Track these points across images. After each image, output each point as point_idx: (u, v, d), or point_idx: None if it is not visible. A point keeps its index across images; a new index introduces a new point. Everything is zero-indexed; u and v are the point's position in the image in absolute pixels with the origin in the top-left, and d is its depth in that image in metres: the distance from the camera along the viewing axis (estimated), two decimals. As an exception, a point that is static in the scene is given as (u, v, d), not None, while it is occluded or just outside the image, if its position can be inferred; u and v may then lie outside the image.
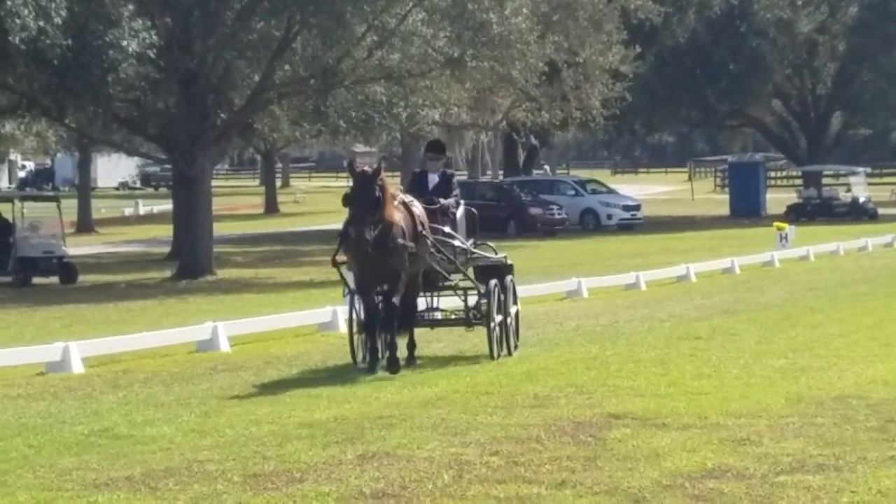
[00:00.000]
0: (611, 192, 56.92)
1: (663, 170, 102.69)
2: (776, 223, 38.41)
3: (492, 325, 13.43)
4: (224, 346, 15.88)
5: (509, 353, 14.00)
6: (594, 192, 55.22)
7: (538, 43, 34.78)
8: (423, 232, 13.01)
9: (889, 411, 9.66)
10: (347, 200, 12.68)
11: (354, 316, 13.42)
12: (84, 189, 55.10)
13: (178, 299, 25.53)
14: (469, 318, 14.13)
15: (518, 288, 21.47)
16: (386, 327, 12.93)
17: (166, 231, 39.67)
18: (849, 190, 55.96)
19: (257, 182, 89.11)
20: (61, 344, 14.36)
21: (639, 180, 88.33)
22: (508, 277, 14.59)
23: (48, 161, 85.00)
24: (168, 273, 31.73)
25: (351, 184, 13.09)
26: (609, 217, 51.85)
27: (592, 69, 42.93)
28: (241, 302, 19.28)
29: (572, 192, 53.77)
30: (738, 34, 55.92)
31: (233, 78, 31.60)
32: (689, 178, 79.88)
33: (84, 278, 30.56)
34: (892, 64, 59.74)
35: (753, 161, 65.72)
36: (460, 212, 14.65)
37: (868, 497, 6.35)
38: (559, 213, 49.16)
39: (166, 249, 36.59)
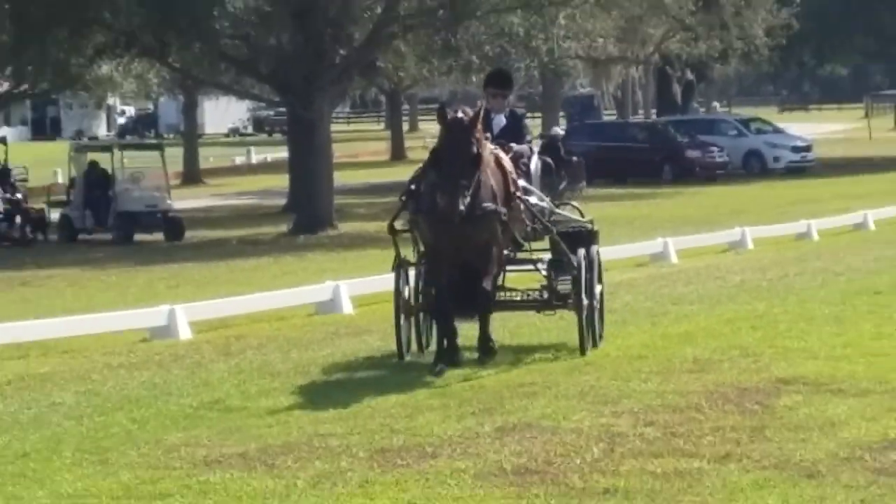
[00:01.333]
0: (778, 131, 56.15)
1: (836, 106, 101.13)
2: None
3: (583, 307, 11.46)
4: (347, 308, 16.00)
5: (595, 345, 11.85)
6: (759, 131, 54.39)
7: (695, -39, 34.29)
8: (518, 193, 11.21)
9: None
10: (436, 157, 10.70)
11: (408, 297, 11.89)
12: (190, 136, 56.58)
13: (295, 257, 26.23)
14: (551, 299, 11.93)
15: (678, 239, 21.74)
16: (481, 318, 11.23)
17: (282, 182, 40.61)
18: None
19: (382, 126, 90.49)
20: (167, 307, 14.67)
21: (809, 118, 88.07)
22: (594, 248, 12.44)
23: (150, 106, 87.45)
24: (284, 228, 32.49)
25: (440, 135, 10.98)
26: (776, 160, 51.11)
27: (755, -9, 41.97)
28: (366, 259, 19.40)
29: (734, 133, 52.99)
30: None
31: (352, 10, 31.86)
32: (867, 115, 78.67)
33: (191, 234, 31.40)
34: None
35: (944, 93, 64.67)
36: (534, 162, 12.81)
37: None
38: (720, 156, 48.67)
39: (282, 202, 37.44)
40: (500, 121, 12.04)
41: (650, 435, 7.87)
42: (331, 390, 10.48)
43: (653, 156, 45.50)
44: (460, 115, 10.58)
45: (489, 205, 10.58)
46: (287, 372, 11.49)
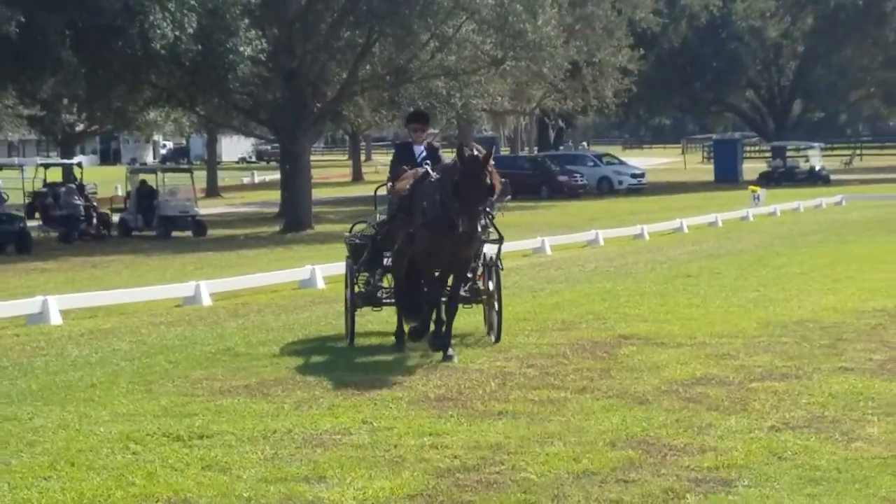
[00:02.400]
0: (621, 163, 56.63)
1: (662, 146, 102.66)
2: (751, 187, 39.20)
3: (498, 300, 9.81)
4: (320, 284, 15.76)
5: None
6: (608, 163, 54.96)
7: (563, 47, 35.33)
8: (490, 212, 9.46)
9: (838, 332, 9.79)
10: (455, 186, 8.60)
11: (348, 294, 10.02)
12: (211, 162, 55.39)
13: (285, 248, 25.75)
14: (473, 296, 9.94)
15: (551, 237, 21.67)
16: (449, 317, 9.12)
17: (275, 195, 39.87)
18: (807, 160, 56.05)
19: (346, 157, 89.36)
20: (194, 283, 14.46)
21: (643, 154, 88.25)
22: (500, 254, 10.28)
23: (183, 141, 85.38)
24: (277, 228, 31.97)
25: (460, 169, 8.83)
26: (620, 182, 51.41)
27: (606, 67, 43.18)
28: (335, 250, 19.09)
29: (591, 164, 53.70)
30: (719, 39, 56.61)
31: (326, 75, 32.11)
32: (683, 153, 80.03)
33: (212, 232, 30.88)
34: (840, 62, 61.87)
35: (733, 139, 67.68)
36: None
37: (822, 399, 6.63)
38: (581, 180, 48.86)
39: (275, 209, 36.77)
40: (419, 150, 10.17)
41: (531, 374, 7.97)
42: (309, 341, 10.38)
43: (534, 180, 45.80)
44: (475, 152, 8.97)
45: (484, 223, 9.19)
46: (279, 328, 11.45)
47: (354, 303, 9.88)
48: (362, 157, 77.74)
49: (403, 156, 10.22)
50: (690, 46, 55.66)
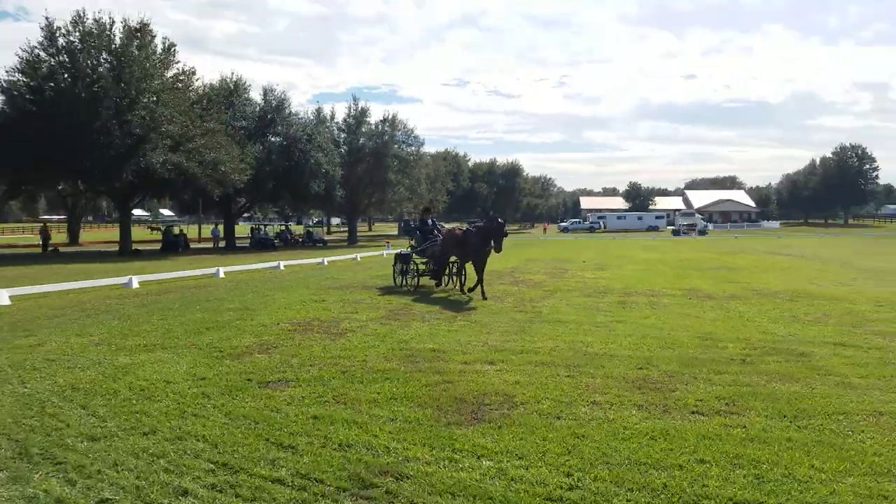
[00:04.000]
0: None
1: None
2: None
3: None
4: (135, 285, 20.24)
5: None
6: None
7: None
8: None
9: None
10: (487, 231, 14.99)
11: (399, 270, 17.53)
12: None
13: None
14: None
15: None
16: (460, 276, 16.34)
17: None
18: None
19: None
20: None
21: None
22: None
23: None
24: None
25: (493, 224, 15.00)
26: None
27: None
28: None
29: None
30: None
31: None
32: None
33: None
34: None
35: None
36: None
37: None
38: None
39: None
40: (430, 223, 18.30)
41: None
42: (326, 293, 13.22)
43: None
44: (500, 220, 15.22)
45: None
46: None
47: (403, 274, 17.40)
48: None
49: (422, 224, 18.44)
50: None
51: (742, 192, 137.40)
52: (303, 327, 11.06)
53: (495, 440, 5.65)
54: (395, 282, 17.66)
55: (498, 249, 14.94)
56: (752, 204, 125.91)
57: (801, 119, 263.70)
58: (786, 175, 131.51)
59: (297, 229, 65.55)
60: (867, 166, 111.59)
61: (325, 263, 28.02)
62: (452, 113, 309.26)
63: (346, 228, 69.73)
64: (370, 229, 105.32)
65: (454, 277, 17.05)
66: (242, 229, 68.48)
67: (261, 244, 48.11)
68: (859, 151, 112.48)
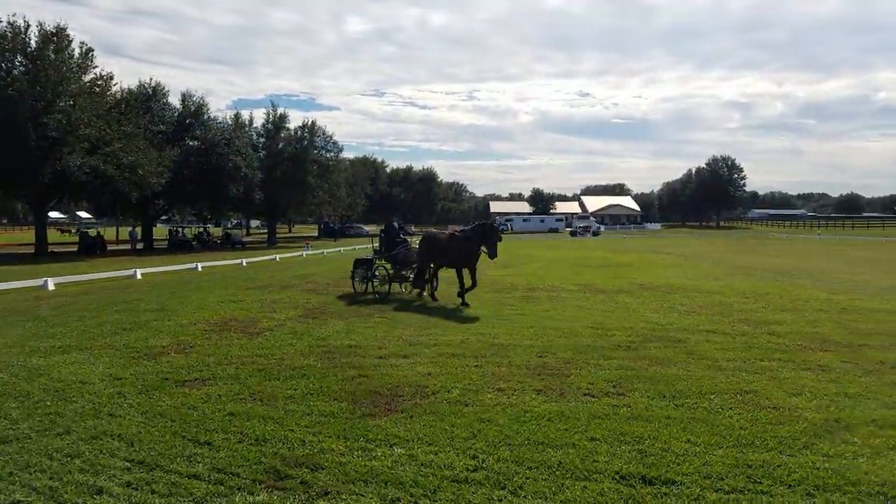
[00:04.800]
0: None
1: None
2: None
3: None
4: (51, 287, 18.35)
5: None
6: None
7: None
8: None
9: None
10: (485, 232, 13.22)
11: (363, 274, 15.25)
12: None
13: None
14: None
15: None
16: (432, 282, 14.46)
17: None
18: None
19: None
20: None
21: None
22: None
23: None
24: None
25: (494, 227, 13.36)
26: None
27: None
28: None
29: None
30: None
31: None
32: None
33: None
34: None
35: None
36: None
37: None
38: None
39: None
40: (396, 226, 16.27)
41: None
42: (244, 293, 12.80)
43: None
44: (496, 223, 13.86)
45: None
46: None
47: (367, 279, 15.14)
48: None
49: (387, 227, 16.36)
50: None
51: (629, 197, 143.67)
52: (220, 327, 10.68)
53: (407, 429, 5.64)
54: (354, 289, 15.64)
55: (493, 255, 13.10)
56: (638, 208, 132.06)
57: (678, 134, 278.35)
58: (666, 183, 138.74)
59: (216, 231, 63.31)
60: (736, 175, 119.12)
61: (244, 264, 27.14)
62: (370, 121, 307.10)
63: (266, 230, 68.03)
64: (290, 231, 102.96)
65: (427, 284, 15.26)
66: (161, 231, 65.57)
67: (179, 246, 46.23)
68: (729, 163, 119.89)
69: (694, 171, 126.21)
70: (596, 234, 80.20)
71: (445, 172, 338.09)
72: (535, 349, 8.74)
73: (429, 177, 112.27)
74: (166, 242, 49.62)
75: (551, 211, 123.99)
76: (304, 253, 36.64)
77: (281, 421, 5.88)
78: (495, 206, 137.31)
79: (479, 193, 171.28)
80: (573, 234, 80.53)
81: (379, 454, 5.12)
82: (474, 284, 13.48)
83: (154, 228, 50.99)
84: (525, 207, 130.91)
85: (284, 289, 16.52)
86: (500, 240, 13.13)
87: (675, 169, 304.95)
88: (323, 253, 37.85)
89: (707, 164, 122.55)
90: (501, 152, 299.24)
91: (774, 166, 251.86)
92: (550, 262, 27.22)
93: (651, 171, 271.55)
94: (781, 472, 4.68)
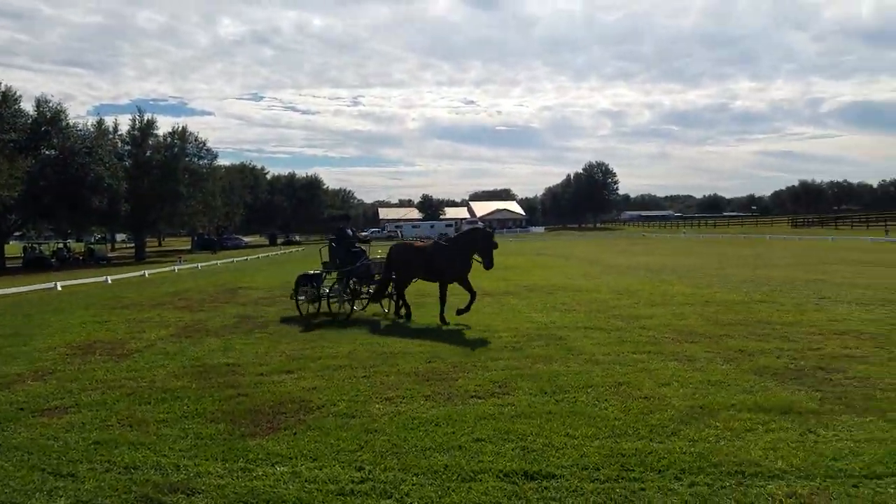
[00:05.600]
0: None
1: None
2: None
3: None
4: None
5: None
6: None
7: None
8: None
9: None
10: (485, 239, 11.76)
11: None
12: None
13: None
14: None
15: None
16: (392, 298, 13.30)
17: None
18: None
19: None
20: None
21: None
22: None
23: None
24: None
25: (489, 235, 11.86)
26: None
27: None
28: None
29: None
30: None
31: None
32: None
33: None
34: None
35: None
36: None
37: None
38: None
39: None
40: (351, 234, 13.80)
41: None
42: (110, 313, 12.20)
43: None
44: (489, 229, 12.10)
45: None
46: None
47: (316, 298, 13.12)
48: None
49: (340, 235, 13.57)
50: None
51: (514, 202, 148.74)
52: (83, 350, 9.93)
53: (290, 446, 5.52)
54: (299, 312, 13.24)
55: (488, 265, 11.59)
56: (523, 212, 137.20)
57: (558, 141, 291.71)
58: (547, 188, 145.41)
59: (78, 247, 58.67)
60: (610, 180, 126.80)
61: (110, 282, 25.32)
62: (247, 126, 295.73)
63: (133, 245, 63.92)
64: (160, 245, 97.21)
65: (387, 300, 13.44)
66: (14, 249, 59.87)
67: (35, 264, 42.51)
68: (603, 168, 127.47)
69: (572, 176, 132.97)
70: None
71: (332, 179, 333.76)
72: (425, 355, 8.83)
73: (313, 184, 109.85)
74: (21, 261, 45.49)
75: (441, 217, 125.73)
76: (177, 267, 34.80)
77: (153, 446, 5.56)
78: (385, 213, 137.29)
79: (368, 200, 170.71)
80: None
81: (260, 473, 4.97)
82: (473, 295, 11.93)
83: (6, 246, 46.50)
84: (415, 214, 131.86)
85: (155, 307, 15.64)
86: (496, 247, 11.71)
87: (556, 174, 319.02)
88: (198, 267, 36.11)
89: (584, 170, 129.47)
90: (390, 158, 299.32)
91: (644, 170, 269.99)
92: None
93: (535, 177, 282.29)
94: (652, 459, 5.03)
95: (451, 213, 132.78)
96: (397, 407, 6.53)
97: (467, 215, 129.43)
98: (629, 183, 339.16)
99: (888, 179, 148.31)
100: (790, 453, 5.04)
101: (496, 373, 7.75)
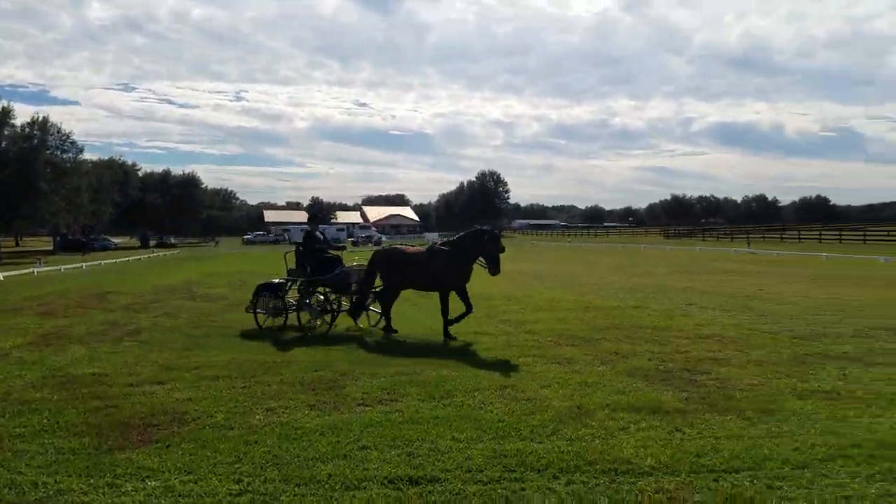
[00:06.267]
0: None
1: None
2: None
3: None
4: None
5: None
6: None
7: None
8: None
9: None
10: (491, 242, 10.78)
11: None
12: None
13: None
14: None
15: None
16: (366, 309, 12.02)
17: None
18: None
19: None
20: None
21: None
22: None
23: None
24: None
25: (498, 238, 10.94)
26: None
27: None
28: None
29: None
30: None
31: None
32: None
33: None
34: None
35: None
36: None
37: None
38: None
39: None
40: (322, 237, 12.29)
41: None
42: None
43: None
44: (496, 230, 10.99)
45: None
46: None
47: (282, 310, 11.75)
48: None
49: (308, 238, 12.10)
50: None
51: (409, 208, 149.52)
52: (-79, 362, 8.94)
53: (163, 459, 5.26)
54: (259, 325, 11.78)
55: (494, 270, 10.59)
56: (417, 218, 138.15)
57: (452, 148, 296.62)
58: (441, 194, 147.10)
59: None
60: (501, 189, 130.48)
61: None
62: (116, 118, 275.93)
63: (-16, 245, 58.23)
64: (17, 245, 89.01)
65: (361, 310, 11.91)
66: None
67: None
68: (496, 177, 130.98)
69: (466, 183, 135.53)
70: (378, 243, 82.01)
71: (211, 178, 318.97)
72: (310, 364, 8.70)
73: (191, 182, 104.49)
74: None
75: (332, 221, 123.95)
76: (36, 270, 32.07)
77: (7, 463, 5.13)
78: (271, 216, 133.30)
79: (253, 201, 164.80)
80: (355, 243, 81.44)
81: (129, 489, 4.71)
82: (469, 309, 10.95)
83: None
84: (304, 217, 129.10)
85: (11, 313, 14.39)
86: (503, 251, 10.68)
87: (450, 181, 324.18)
88: (60, 269, 33.46)
89: (476, 178, 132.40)
90: (277, 158, 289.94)
91: (534, 180, 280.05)
92: (327, 273, 27.14)
93: (429, 183, 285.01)
94: (532, 459, 5.25)
95: (343, 217, 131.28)
96: (279, 417, 6.40)
97: (360, 220, 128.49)
98: (520, 192, 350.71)
99: (750, 196, 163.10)
100: (659, 451, 5.43)
101: (385, 379, 7.78)
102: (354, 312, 11.75)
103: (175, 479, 4.91)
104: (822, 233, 62.57)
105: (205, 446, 5.57)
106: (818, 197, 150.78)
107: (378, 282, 11.78)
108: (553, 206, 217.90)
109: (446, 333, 10.69)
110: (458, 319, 10.92)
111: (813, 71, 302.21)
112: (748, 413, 6.47)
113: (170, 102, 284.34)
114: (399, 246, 12.02)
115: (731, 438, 5.74)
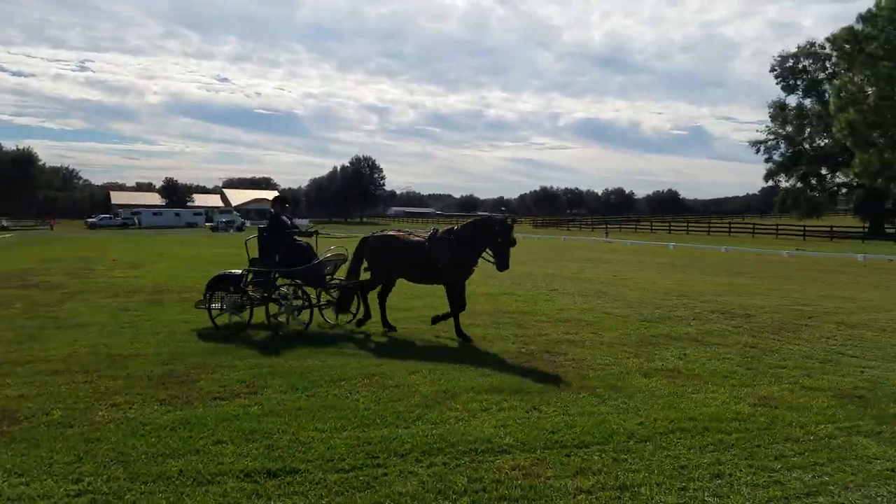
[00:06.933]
0: None
1: None
2: None
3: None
4: None
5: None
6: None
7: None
8: None
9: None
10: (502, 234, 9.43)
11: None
12: None
13: None
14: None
15: None
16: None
17: None
18: None
19: None
20: None
21: None
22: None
23: None
24: None
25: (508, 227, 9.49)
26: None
27: None
28: None
29: None
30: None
31: None
32: None
33: None
34: None
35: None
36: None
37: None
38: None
39: None
40: (289, 221, 10.97)
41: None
42: None
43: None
44: (509, 218, 9.54)
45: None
46: None
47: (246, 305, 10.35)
48: None
49: (275, 220, 10.71)
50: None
51: (276, 192, 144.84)
52: None
53: (-12, 463, 4.80)
54: (214, 323, 10.33)
55: (503, 265, 9.41)
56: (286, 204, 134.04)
57: (324, 132, 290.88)
58: (313, 179, 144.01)
59: None
60: (376, 175, 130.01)
61: None
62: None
63: None
64: None
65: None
66: None
67: None
68: (370, 163, 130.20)
69: (339, 168, 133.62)
70: (240, 229, 78.74)
71: (50, 155, 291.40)
72: (161, 357, 8.25)
73: (25, 158, 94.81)
74: None
75: (189, 204, 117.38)
76: None
77: None
78: (118, 197, 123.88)
79: (98, 181, 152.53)
80: (214, 229, 77.71)
81: (-56, 499, 4.26)
82: (463, 305, 9.98)
83: None
84: (157, 199, 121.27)
85: None
86: (514, 243, 9.47)
87: (322, 166, 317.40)
88: None
89: (351, 163, 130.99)
90: (125, 135, 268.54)
91: (410, 168, 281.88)
92: (184, 260, 25.81)
93: (299, 167, 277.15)
94: (396, 444, 5.33)
95: (201, 200, 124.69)
96: (125, 413, 6.03)
97: (220, 203, 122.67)
98: (395, 179, 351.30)
99: (609, 189, 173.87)
100: (517, 429, 5.71)
101: (244, 372, 7.55)
102: (340, 307, 10.69)
103: (4, 482, 4.52)
104: (672, 224, 68.28)
105: (39, 446, 5.15)
106: (669, 191, 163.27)
107: (363, 273, 10.70)
108: (430, 194, 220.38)
109: (459, 332, 9.74)
110: (445, 317, 10.08)
111: (669, 72, 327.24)
112: (599, 390, 6.94)
113: (1, 69, 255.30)
114: (390, 232, 10.77)
115: (583, 415, 6.14)
